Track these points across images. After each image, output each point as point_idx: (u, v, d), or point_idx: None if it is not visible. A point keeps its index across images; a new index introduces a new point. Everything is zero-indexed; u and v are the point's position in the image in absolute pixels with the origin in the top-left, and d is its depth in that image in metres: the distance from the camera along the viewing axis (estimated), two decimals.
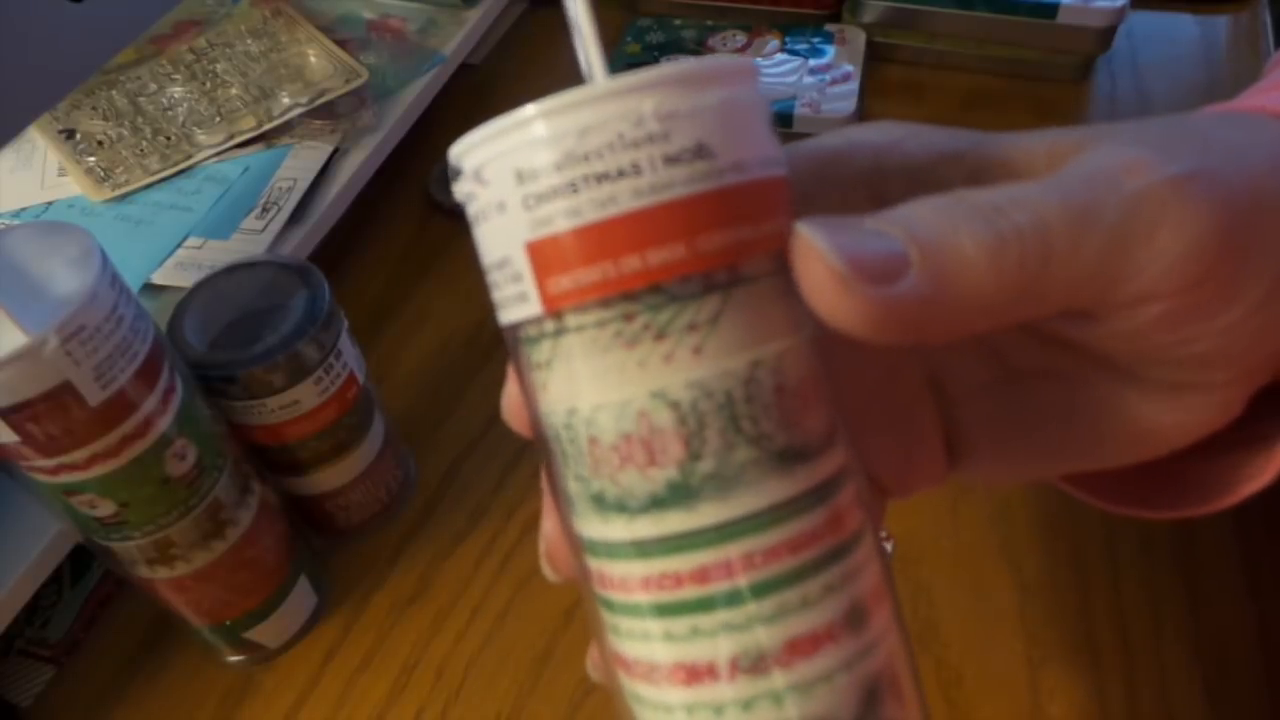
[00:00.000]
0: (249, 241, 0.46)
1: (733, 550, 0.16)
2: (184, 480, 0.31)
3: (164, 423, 0.30)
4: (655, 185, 0.15)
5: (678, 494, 0.15)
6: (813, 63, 0.58)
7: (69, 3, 0.31)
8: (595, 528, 0.17)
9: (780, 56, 0.59)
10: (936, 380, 0.23)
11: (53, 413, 0.27)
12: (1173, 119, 0.20)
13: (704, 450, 0.15)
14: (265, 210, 0.47)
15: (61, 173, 0.50)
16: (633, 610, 0.16)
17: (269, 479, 0.36)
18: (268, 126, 0.50)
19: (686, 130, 0.15)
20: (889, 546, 0.38)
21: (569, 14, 0.17)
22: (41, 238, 0.29)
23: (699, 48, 0.61)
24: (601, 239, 0.15)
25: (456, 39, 0.56)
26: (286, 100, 0.51)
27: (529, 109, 0.15)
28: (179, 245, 0.46)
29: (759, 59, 0.59)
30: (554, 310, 0.15)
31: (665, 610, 0.16)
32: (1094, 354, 0.20)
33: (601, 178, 0.15)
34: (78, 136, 0.51)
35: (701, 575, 0.16)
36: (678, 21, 0.63)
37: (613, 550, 0.16)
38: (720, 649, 0.16)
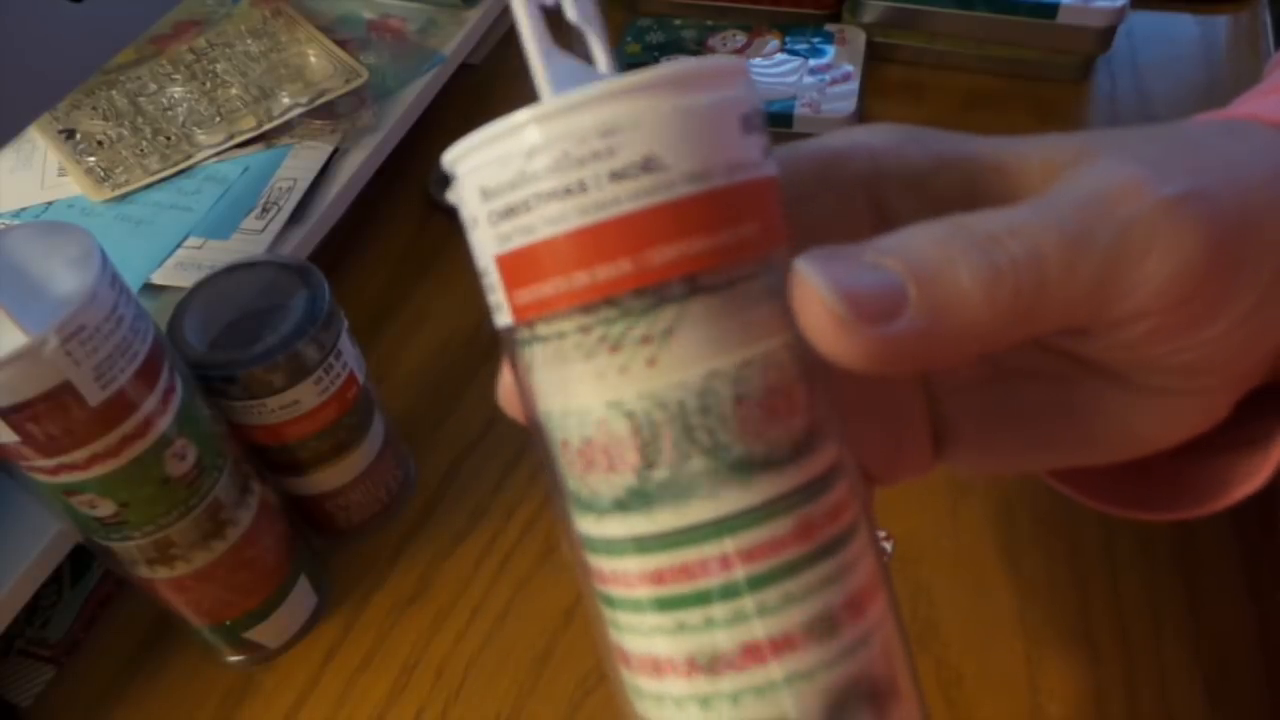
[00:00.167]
0: (249, 241, 0.46)
1: (708, 550, 0.16)
2: (184, 480, 0.31)
3: (164, 423, 0.30)
4: (601, 202, 0.15)
5: (637, 499, 0.16)
6: (813, 63, 0.58)
7: (69, 3, 0.31)
8: (583, 524, 0.17)
9: (780, 56, 0.59)
10: (925, 374, 0.23)
11: (53, 413, 0.27)
12: (1170, 128, 0.20)
13: (658, 459, 0.16)
14: (265, 210, 0.47)
15: (61, 173, 0.50)
16: (632, 605, 0.17)
17: (269, 479, 0.36)
18: (268, 126, 0.50)
19: (633, 144, 0.15)
20: (889, 546, 0.38)
21: (519, 34, 0.17)
22: (41, 238, 0.29)
23: (699, 48, 0.61)
24: (553, 255, 0.15)
25: (456, 39, 0.56)
26: (286, 100, 0.51)
27: (490, 127, 0.15)
28: (179, 245, 0.46)
29: (759, 59, 0.59)
30: (523, 320, 0.16)
31: (661, 605, 0.16)
32: (1082, 358, 0.20)
33: (551, 196, 0.15)
34: (78, 136, 0.51)
35: (683, 571, 0.16)
36: (678, 21, 0.63)
37: (598, 546, 0.17)
38: (682, 648, 0.16)
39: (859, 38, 0.59)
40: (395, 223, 0.55)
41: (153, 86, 0.53)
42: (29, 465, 0.28)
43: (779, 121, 0.55)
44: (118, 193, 0.48)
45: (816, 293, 0.15)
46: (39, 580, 0.34)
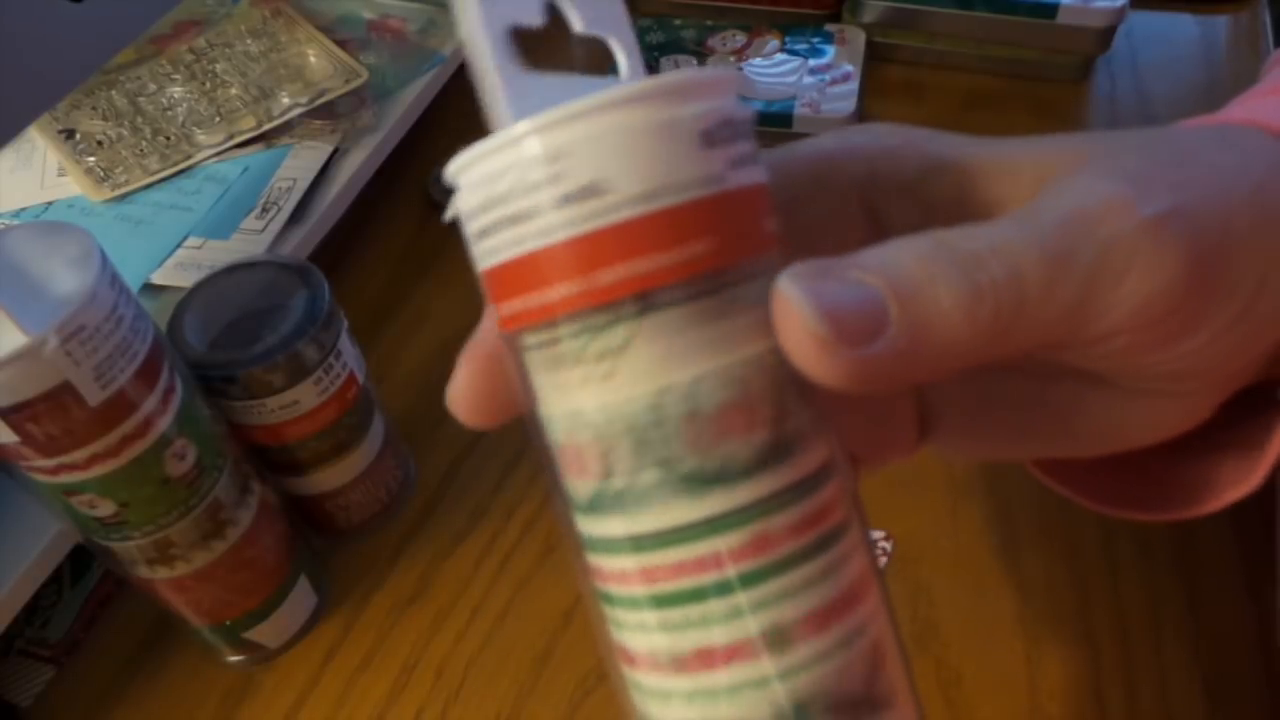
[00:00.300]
0: (249, 241, 0.46)
1: (673, 554, 0.16)
2: (184, 480, 0.31)
3: (164, 423, 0.30)
4: (551, 226, 0.15)
5: (601, 504, 0.17)
6: (813, 63, 0.58)
7: (69, 3, 0.31)
8: (575, 520, 0.18)
9: (780, 56, 0.59)
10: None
11: (53, 413, 0.27)
12: (1163, 134, 0.20)
13: (615, 469, 0.16)
14: (265, 210, 0.47)
15: (61, 173, 0.50)
16: (630, 602, 0.17)
17: (269, 479, 0.36)
18: (268, 126, 0.50)
19: (579, 169, 0.15)
20: (888, 546, 0.38)
21: (476, 56, 0.17)
22: (41, 238, 0.29)
23: (699, 48, 0.61)
24: (516, 275, 0.16)
25: (456, 39, 0.56)
26: (286, 100, 0.51)
27: (468, 151, 0.16)
28: (179, 245, 0.46)
29: (759, 59, 0.59)
30: (506, 331, 0.17)
31: (651, 602, 0.17)
32: (1061, 362, 0.20)
33: (511, 220, 0.16)
34: (78, 136, 0.51)
35: (673, 571, 0.16)
36: (678, 21, 0.63)
37: (587, 542, 0.18)
38: (673, 644, 0.17)
39: (859, 38, 0.59)
40: (395, 223, 0.55)
41: (152, 86, 0.53)
42: (29, 465, 0.28)
43: (779, 121, 0.55)
44: (118, 193, 0.48)
45: (798, 314, 0.15)
46: (39, 580, 0.34)
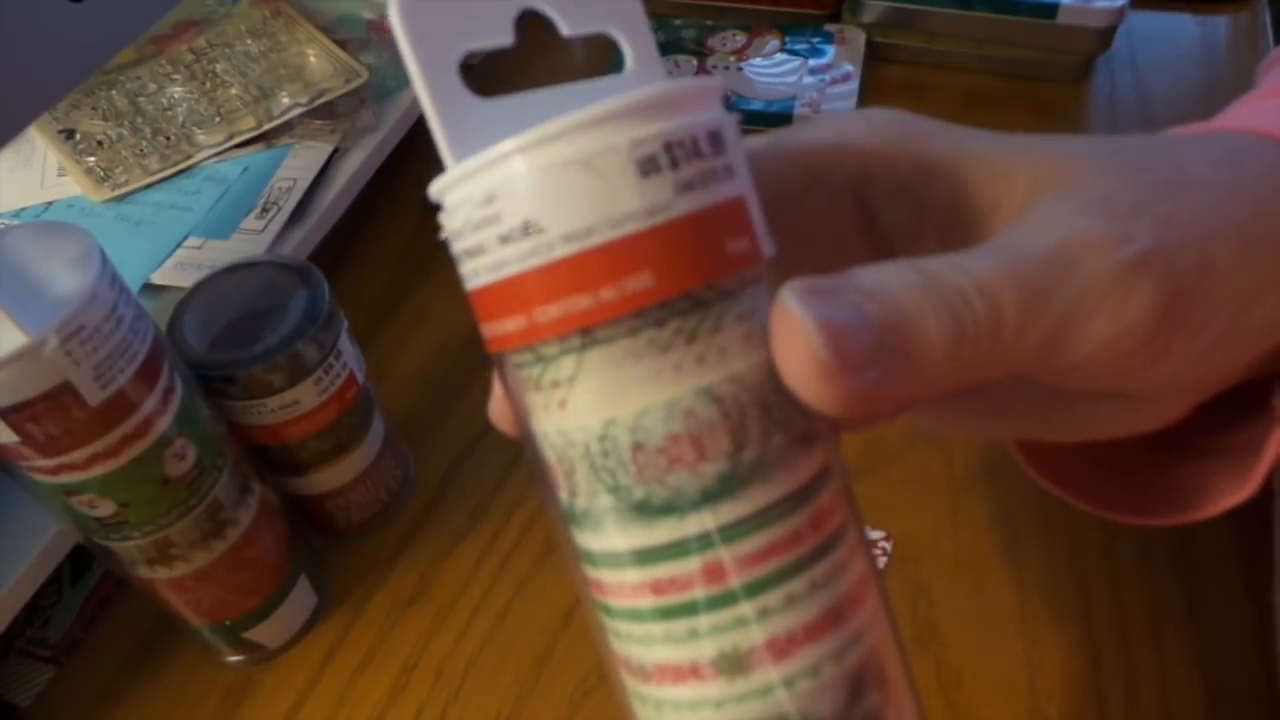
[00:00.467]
0: (249, 241, 0.46)
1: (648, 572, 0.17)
2: (184, 480, 0.31)
3: (164, 423, 0.30)
4: (497, 263, 0.16)
5: (571, 517, 0.17)
6: (813, 63, 0.58)
7: (69, 3, 0.31)
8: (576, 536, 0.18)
9: (780, 56, 0.59)
10: None
11: (53, 413, 0.27)
12: (1162, 147, 0.20)
13: (577, 490, 0.17)
14: (265, 210, 0.47)
15: (61, 173, 0.50)
16: (601, 608, 0.18)
17: (269, 479, 0.36)
18: (268, 126, 0.50)
19: (512, 210, 0.15)
20: (889, 546, 0.38)
21: (417, 92, 0.17)
22: (41, 238, 0.29)
23: (699, 48, 0.61)
24: (482, 303, 0.17)
25: None
26: (286, 100, 0.51)
27: (433, 183, 0.17)
28: (179, 245, 0.46)
29: (759, 59, 0.59)
30: (489, 350, 0.17)
31: (606, 613, 0.18)
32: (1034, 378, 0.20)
33: (466, 254, 0.16)
34: (78, 136, 0.51)
35: (631, 591, 0.17)
36: (678, 21, 0.63)
37: (575, 550, 0.18)
38: (702, 651, 0.17)
39: (859, 38, 0.60)
40: (395, 223, 0.55)
41: (153, 86, 0.53)
42: (29, 465, 0.28)
43: (779, 122, 0.55)
44: (118, 193, 0.48)
45: (804, 337, 0.15)
46: (39, 580, 0.34)
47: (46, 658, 0.38)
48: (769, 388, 0.16)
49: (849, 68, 0.57)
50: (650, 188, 0.15)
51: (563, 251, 0.15)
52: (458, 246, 0.17)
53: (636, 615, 0.17)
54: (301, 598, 0.37)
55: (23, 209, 0.48)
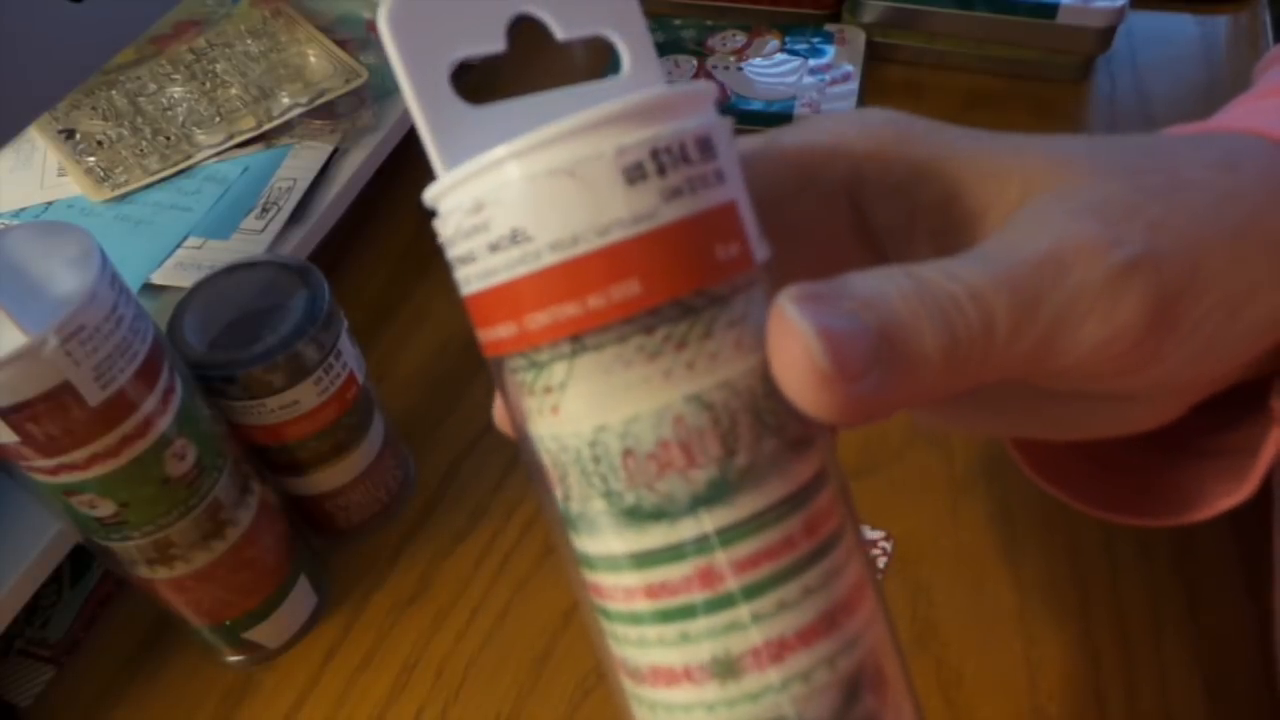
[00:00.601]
0: (249, 241, 0.46)
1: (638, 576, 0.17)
2: (184, 480, 0.31)
3: (164, 423, 0.30)
4: (486, 271, 0.16)
5: (567, 520, 0.17)
6: (813, 63, 0.58)
7: (69, 3, 0.31)
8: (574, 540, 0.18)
9: (780, 56, 0.59)
10: None
11: (53, 413, 0.27)
12: (1159, 148, 0.20)
13: (570, 495, 0.17)
14: (265, 210, 0.47)
15: (61, 173, 0.50)
16: (598, 610, 0.18)
17: (269, 479, 0.36)
18: (268, 126, 0.50)
19: (500, 218, 0.15)
20: (889, 546, 0.38)
21: (406, 100, 0.17)
22: (41, 238, 0.29)
23: (699, 48, 0.61)
24: (476, 309, 0.17)
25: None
26: (286, 100, 0.51)
27: (426, 190, 0.17)
28: (179, 245, 0.46)
29: (759, 59, 0.59)
30: (485, 355, 0.18)
31: (604, 616, 0.18)
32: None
33: (461, 260, 0.17)
34: (78, 136, 0.51)
35: (624, 595, 0.17)
36: (678, 21, 0.63)
37: (572, 553, 0.18)
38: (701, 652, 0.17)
39: (859, 38, 0.60)
40: (395, 223, 0.55)
41: (152, 86, 0.53)
42: (29, 465, 0.28)
43: (779, 122, 0.55)
44: (117, 193, 0.48)
45: (803, 345, 0.15)
46: (39, 580, 0.34)
47: (46, 658, 0.38)
48: (761, 393, 0.16)
49: (849, 68, 0.57)
50: (636, 195, 0.15)
51: (550, 260, 0.15)
52: (451, 253, 0.17)
53: (631, 618, 0.17)
54: (301, 598, 0.37)
55: (23, 209, 0.48)
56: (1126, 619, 0.35)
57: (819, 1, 0.62)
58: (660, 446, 0.16)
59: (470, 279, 0.16)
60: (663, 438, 0.16)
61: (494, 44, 0.17)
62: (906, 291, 0.16)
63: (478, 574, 0.39)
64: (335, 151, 0.50)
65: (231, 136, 0.50)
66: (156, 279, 0.44)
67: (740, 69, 0.59)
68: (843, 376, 0.15)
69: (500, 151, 0.15)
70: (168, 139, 0.50)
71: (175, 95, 0.52)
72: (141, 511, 0.30)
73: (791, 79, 0.57)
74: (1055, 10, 0.55)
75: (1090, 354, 0.17)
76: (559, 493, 0.17)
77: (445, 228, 0.17)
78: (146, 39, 0.56)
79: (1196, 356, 0.18)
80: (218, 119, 0.51)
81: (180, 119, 0.51)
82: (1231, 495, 0.21)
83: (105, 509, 0.30)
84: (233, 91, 0.52)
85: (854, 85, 0.56)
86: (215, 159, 0.50)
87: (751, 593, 0.16)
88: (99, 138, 0.50)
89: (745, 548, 0.16)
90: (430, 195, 0.17)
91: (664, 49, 0.61)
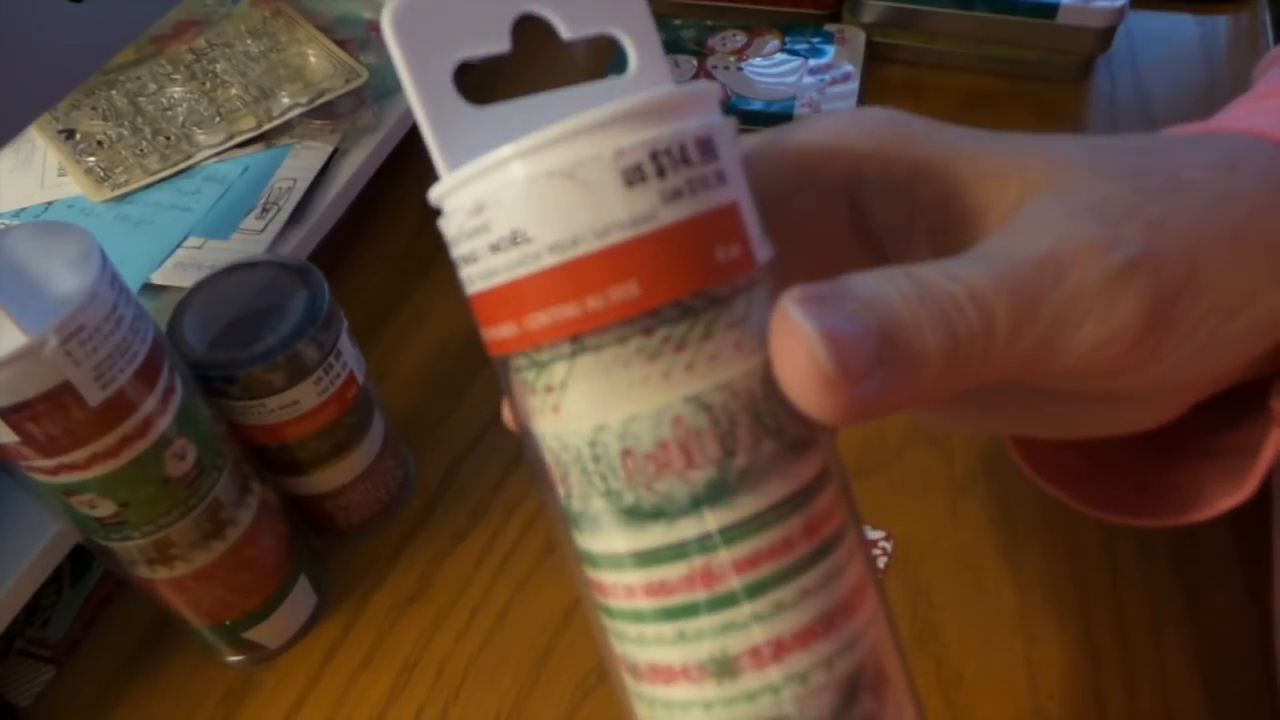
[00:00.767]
0: (249, 241, 0.46)
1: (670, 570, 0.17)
2: (184, 480, 0.31)
3: (164, 423, 0.30)
4: (489, 271, 0.16)
5: (569, 518, 0.18)
6: (813, 63, 0.58)
7: (69, 3, 0.31)
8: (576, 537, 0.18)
9: (780, 56, 0.59)
10: None
11: (52, 413, 0.27)
12: (1159, 149, 0.20)
13: (572, 493, 0.17)
14: (265, 210, 0.47)
15: (61, 173, 0.50)
16: (600, 608, 0.18)
17: (269, 479, 0.36)
18: (268, 126, 0.50)
19: (500, 219, 0.16)
20: (889, 546, 0.38)
21: (410, 101, 0.17)
22: (41, 238, 0.29)
23: (699, 48, 0.61)
24: (479, 308, 0.17)
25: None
26: (286, 100, 0.51)
27: (431, 190, 0.17)
28: (179, 245, 0.46)
29: (759, 59, 0.59)
30: (489, 354, 0.18)
31: (606, 613, 0.18)
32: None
33: (464, 260, 0.17)
34: (78, 136, 0.51)
35: (624, 593, 0.17)
36: (678, 21, 0.63)
37: (575, 550, 0.18)
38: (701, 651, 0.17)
39: (859, 38, 0.60)
40: (395, 222, 0.55)
41: (153, 86, 0.53)
42: (29, 465, 0.28)
43: (779, 122, 0.55)
44: (118, 193, 0.48)
45: (808, 347, 0.15)
46: (39, 580, 0.34)
47: (46, 658, 0.38)
48: (761, 395, 0.16)
49: (849, 68, 0.57)
50: (636, 197, 0.15)
51: (549, 261, 0.15)
52: (454, 253, 0.17)
53: (632, 616, 0.17)
54: (301, 598, 0.37)
55: (23, 209, 0.48)
56: (1126, 619, 0.35)
57: (819, 1, 0.62)
58: (659, 447, 0.16)
59: (473, 279, 0.17)
60: (661, 438, 0.16)
61: (499, 44, 0.17)
62: (907, 292, 0.16)
63: (478, 574, 0.39)
64: (335, 151, 0.50)
65: (231, 136, 0.50)
66: (156, 279, 0.44)
67: (740, 69, 0.59)
68: (846, 379, 0.15)
69: (500, 153, 0.15)
70: (168, 139, 0.50)
71: (175, 95, 0.52)
72: (141, 511, 0.30)
73: (791, 79, 0.57)
74: (1055, 10, 0.55)
75: (1090, 354, 0.17)
76: (561, 491, 0.17)
77: (449, 227, 0.17)
78: (146, 39, 0.56)
79: (1195, 356, 0.18)
80: (218, 119, 0.51)
81: (180, 119, 0.51)
82: (1231, 495, 0.21)
83: (105, 509, 0.30)
84: (233, 91, 0.52)
85: (854, 85, 0.56)
86: (215, 159, 0.50)
87: (750, 593, 0.16)
88: (99, 138, 0.50)
89: (744, 548, 0.16)
90: (434, 195, 0.17)
91: (664, 49, 0.61)
